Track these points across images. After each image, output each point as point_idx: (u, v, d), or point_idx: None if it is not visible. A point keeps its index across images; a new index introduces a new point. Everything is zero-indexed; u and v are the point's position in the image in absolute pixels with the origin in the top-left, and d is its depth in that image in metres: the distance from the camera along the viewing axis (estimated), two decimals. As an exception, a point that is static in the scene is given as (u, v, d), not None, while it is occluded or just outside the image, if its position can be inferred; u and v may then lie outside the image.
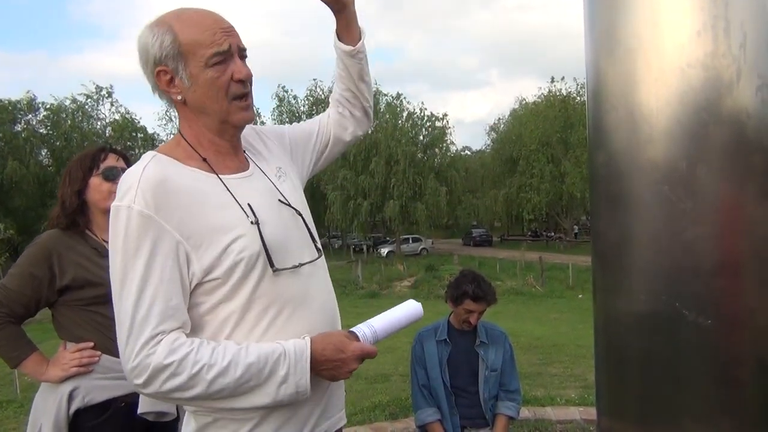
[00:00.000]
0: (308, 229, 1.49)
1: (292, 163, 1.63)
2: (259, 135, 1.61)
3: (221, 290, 1.30)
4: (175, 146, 1.40)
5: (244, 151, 1.50)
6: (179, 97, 1.35)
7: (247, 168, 1.46)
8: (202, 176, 1.35)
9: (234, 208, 1.33)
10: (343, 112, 1.74)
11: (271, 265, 1.32)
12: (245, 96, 1.37)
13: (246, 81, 1.36)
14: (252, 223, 1.33)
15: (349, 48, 1.65)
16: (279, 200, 1.45)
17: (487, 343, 3.29)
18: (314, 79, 45.81)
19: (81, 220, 2.14)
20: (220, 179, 1.36)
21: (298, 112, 45.66)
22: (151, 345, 1.20)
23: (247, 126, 1.49)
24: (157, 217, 1.23)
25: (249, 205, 1.35)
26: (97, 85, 39.81)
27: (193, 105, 1.36)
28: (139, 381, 1.21)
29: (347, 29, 1.64)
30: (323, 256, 1.53)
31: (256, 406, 1.29)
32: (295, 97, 46.96)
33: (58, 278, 2.03)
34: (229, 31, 1.35)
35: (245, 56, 1.39)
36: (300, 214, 1.48)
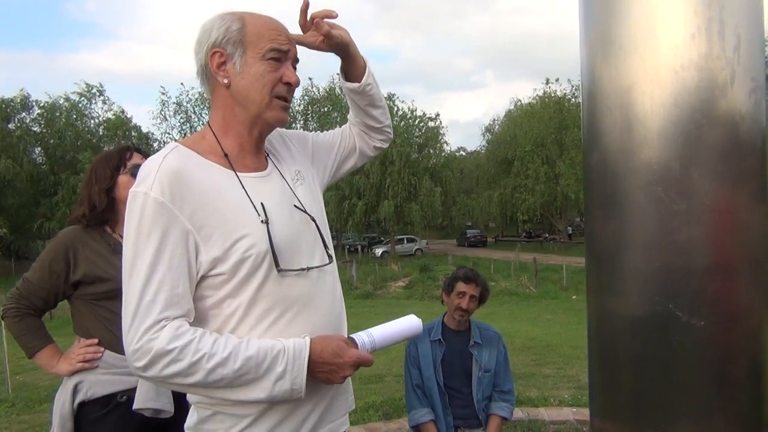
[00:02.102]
0: (321, 235, 1.51)
1: (313, 168, 1.67)
2: (283, 138, 1.65)
3: (227, 286, 1.32)
4: (200, 139, 1.44)
5: (267, 155, 1.54)
6: (225, 81, 1.40)
7: (266, 168, 1.50)
8: (220, 171, 1.39)
9: (246, 205, 1.36)
10: (362, 132, 1.78)
11: (276, 264, 1.34)
12: (287, 99, 1.44)
13: (293, 86, 1.43)
14: (262, 221, 1.35)
15: (354, 85, 1.66)
16: (294, 204, 1.48)
17: (480, 344, 3.29)
18: (310, 78, 45.46)
19: (110, 217, 2.21)
20: (237, 176, 1.40)
21: (293, 112, 45.50)
22: (155, 330, 1.23)
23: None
24: (171, 206, 1.27)
25: (262, 204, 1.38)
26: (87, 84, 39.58)
27: (236, 91, 1.40)
28: (140, 364, 1.23)
29: (351, 66, 1.65)
30: (335, 264, 1.55)
31: (251, 400, 1.30)
32: (290, 97, 46.66)
33: (72, 272, 2.11)
34: (291, 41, 1.44)
35: (296, 67, 1.47)
36: (313, 220, 1.50)
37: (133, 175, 2.20)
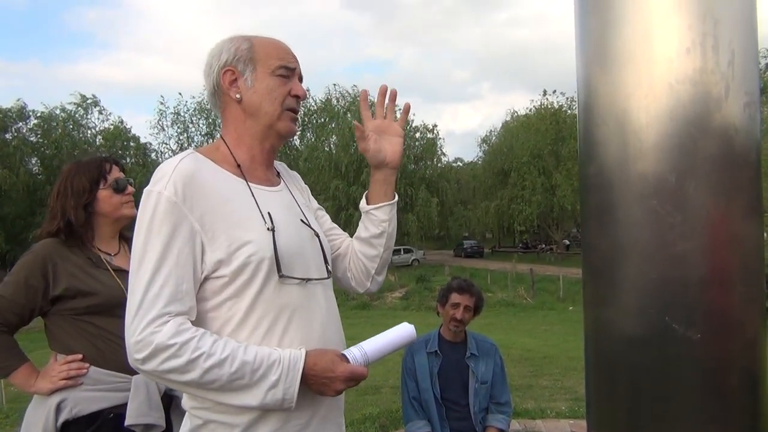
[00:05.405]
0: (323, 251, 1.57)
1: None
2: (299, 180, 1.75)
3: (228, 290, 1.36)
4: (214, 149, 1.51)
5: (278, 174, 1.62)
6: (237, 96, 1.48)
7: (278, 184, 1.58)
8: (231, 179, 1.45)
9: (254, 212, 1.42)
10: (352, 255, 1.75)
11: (279, 270, 1.38)
12: (296, 111, 1.53)
13: (300, 99, 1.53)
14: (268, 229, 1.40)
15: (362, 203, 1.72)
16: (300, 220, 1.55)
17: (477, 356, 3.29)
18: (307, 89, 45.64)
19: (86, 233, 2.12)
20: (248, 185, 1.46)
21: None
22: (157, 323, 1.26)
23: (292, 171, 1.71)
24: (182, 206, 1.33)
25: (269, 213, 1.43)
26: (82, 95, 39.48)
27: (248, 105, 1.48)
28: (140, 356, 1.26)
29: (373, 187, 1.70)
30: (331, 280, 1.61)
31: (243, 406, 1.32)
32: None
33: (52, 287, 2.01)
34: (297, 60, 1.54)
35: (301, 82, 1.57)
36: (317, 235, 1.58)
37: (116, 190, 2.16)
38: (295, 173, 1.76)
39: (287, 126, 1.51)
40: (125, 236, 2.30)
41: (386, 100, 1.67)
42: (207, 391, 1.30)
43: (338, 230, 1.79)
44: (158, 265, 1.29)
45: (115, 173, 2.21)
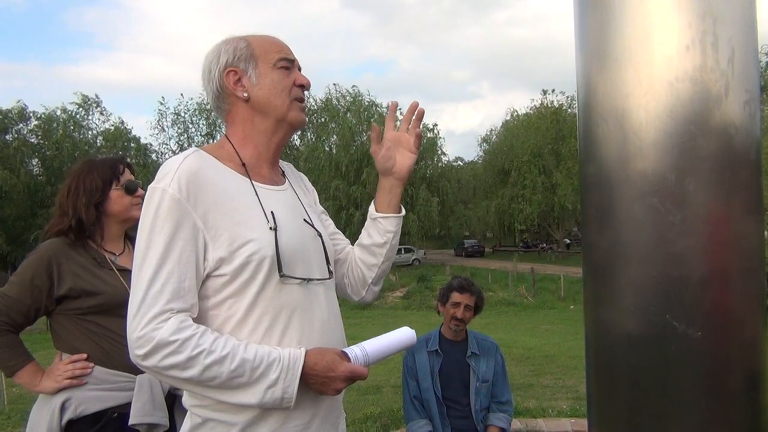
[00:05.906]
0: (325, 252, 1.57)
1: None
2: (306, 182, 1.77)
3: (228, 288, 1.37)
4: (218, 147, 1.51)
5: (283, 174, 1.63)
6: (244, 95, 1.48)
7: (283, 183, 1.58)
8: (236, 177, 1.45)
9: (257, 211, 1.42)
10: (353, 265, 1.76)
11: (280, 269, 1.38)
12: (303, 100, 1.54)
13: (305, 88, 1.54)
14: (271, 228, 1.41)
15: (371, 209, 1.73)
16: (304, 219, 1.55)
17: (478, 355, 3.29)
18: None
19: (95, 231, 2.14)
20: (252, 184, 1.46)
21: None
22: (159, 320, 1.27)
23: (299, 172, 1.72)
24: (186, 203, 1.33)
25: (272, 212, 1.43)
26: (84, 96, 39.43)
27: (256, 102, 1.49)
28: (141, 352, 1.27)
29: (379, 195, 1.72)
30: (334, 280, 1.61)
31: (242, 404, 1.32)
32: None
33: (56, 287, 2.03)
34: (293, 53, 1.55)
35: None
36: (320, 235, 1.57)
37: (127, 191, 2.19)
38: (302, 174, 1.77)
39: (297, 116, 1.52)
40: (130, 236, 2.31)
41: (413, 117, 1.69)
42: (207, 388, 1.30)
43: (340, 236, 1.80)
44: (161, 262, 1.30)
45: (127, 175, 2.24)
